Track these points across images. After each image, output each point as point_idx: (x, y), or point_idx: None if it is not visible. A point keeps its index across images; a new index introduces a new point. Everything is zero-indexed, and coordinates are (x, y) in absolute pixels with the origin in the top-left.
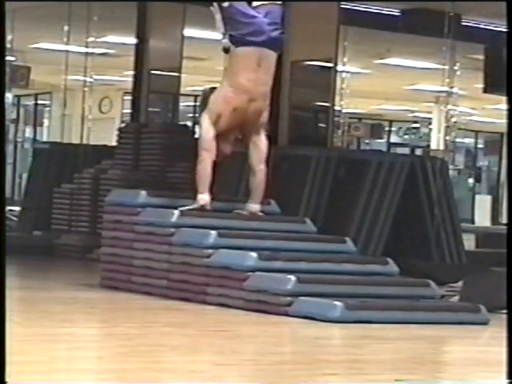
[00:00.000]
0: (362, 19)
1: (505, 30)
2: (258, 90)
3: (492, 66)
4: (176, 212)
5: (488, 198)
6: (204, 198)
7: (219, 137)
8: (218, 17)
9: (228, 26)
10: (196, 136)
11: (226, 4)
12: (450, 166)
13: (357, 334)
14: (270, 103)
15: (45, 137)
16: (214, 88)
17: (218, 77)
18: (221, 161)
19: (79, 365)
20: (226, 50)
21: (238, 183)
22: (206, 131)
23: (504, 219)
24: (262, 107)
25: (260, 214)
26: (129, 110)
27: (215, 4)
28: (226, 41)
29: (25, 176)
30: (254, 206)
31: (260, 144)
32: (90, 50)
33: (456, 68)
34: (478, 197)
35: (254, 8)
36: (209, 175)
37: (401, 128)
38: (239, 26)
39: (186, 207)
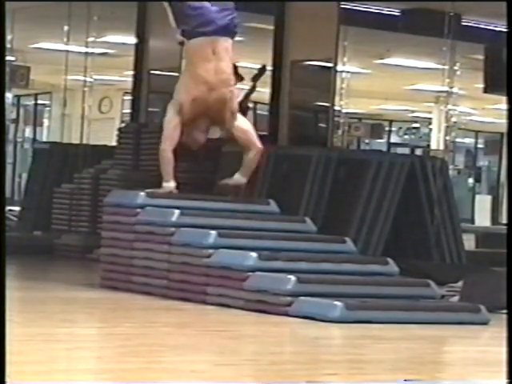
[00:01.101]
0: (362, 19)
1: (505, 29)
2: (216, 79)
3: (492, 65)
4: (176, 212)
5: (488, 198)
6: (169, 185)
7: (191, 126)
8: (170, 13)
9: (179, 21)
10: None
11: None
12: (450, 166)
13: (357, 334)
14: (236, 84)
15: (45, 137)
16: (264, 68)
17: None
18: (197, 149)
19: (79, 365)
20: (181, 43)
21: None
22: (168, 120)
23: (504, 219)
24: (224, 94)
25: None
26: (129, 110)
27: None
28: (178, 36)
29: (25, 176)
30: (241, 179)
31: (240, 125)
32: (90, 50)
33: (456, 68)
34: (477, 197)
35: None
36: (171, 162)
37: (401, 128)
38: (188, 20)
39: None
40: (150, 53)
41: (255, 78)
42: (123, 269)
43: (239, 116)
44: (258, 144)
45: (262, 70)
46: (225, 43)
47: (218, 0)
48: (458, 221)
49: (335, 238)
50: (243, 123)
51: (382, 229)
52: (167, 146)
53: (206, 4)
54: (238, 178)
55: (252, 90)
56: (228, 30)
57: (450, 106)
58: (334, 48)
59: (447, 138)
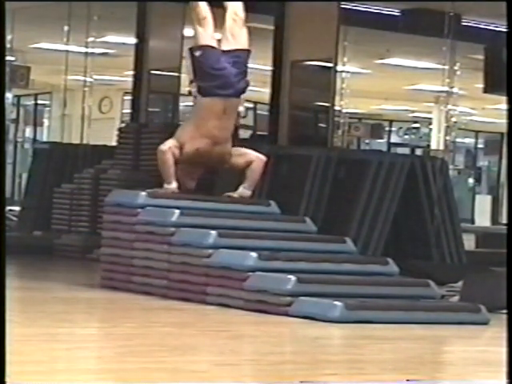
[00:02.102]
0: (362, 19)
1: (505, 29)
2: (222, 135)
3: (492, 65)
4: (176, 212)
5: (488, 198)
6: (171, 187)
7: (184, 174)
8: (189, 63)
9: (197, 75)
10: None
11: (197, 53)
12: (450, 166)
13: (357, 334)
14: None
15: (45, 137)
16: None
17: None
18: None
19: (79, 365)
20: (190, 93)
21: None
22: (164, 144)
23: (504, 219)
24: (225, 150)
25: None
26: (129, 110)
27: (188, 51)
28: (194, 90)
29: (25, 176)
30: (246, 192)
31: (236, 152)
32: (89, 50)
33: (456, 68)
34: (478, 197)
35: (223, 52)
36: (171, 165)
37: (401, 128)
38: (208, 78)
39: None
40: (149, 53)
41: None
42: (123, 269)
43: (232, 153)
44: (260, 156)
45: None
46: (236, 103)
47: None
48: (458, 221)
49: (335, 238)
50: (236, 149)
51: (381, 229)
52: (166, 151)
53: (228, 66)
54: (243, 191)
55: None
56: (242, 92)
57: (449, 106)
58: (334, 48)
59: (447, 137)
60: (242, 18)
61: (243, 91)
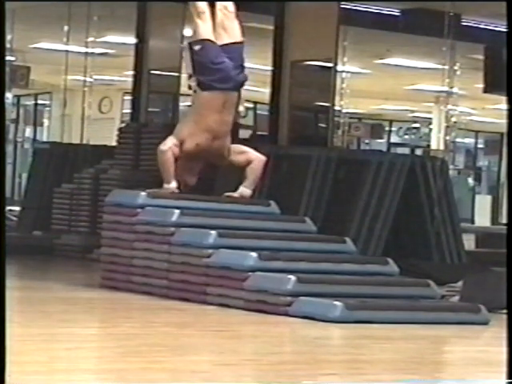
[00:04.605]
0: (362, 19)
1: (505, 29)
2: (221, 130)
3: (492, 65)
4: (176, 212)
5: (488, 198)
6: (171, 187)
7: (184, 169)
8: (188, 57)
9: (196, 70)
10: None
11: (197, 47)
12: (450, 166)
13: (357, 334)
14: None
15: (45, 137)
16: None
17: None
18: (184, 191)
19: (79, 365)
20: (190, 87)
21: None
22: (163, 143)
23: (504, 219)
24: (223, 145)
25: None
26: (129, 110)
27: (187, 45)
28: (194, 84)
29: (25, 176)
30: (246, 191)
31: (236, 150)
32: (89, 50)
33: (456, 68)
34: (477, 197)
35: (221, 46)
36: (171, 165)
37: (401, 128)
38: (207, 72)
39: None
40: (149, 53)
41: None
42: (123, 269)
43: (231, 149)
44: (260, 155)
45: None
46: (235, 98)
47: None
48: (457, 221)
49: (335, 238)
50: (236, 146)
51: (381, 229)
52: (167, 150)
53: (227, 60)
54: (244, 191)
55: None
56: (240, 86)
57: (449, 106)
58: (334, 48)
59: (447, 137)
60: (232, 12)
61: (242, 84)
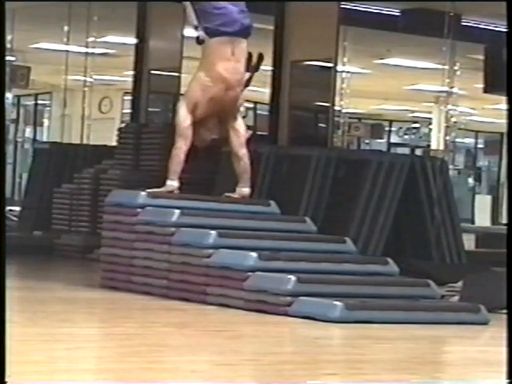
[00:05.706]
0: (362, 19)
1: (505, 29)
2: (234, 79)
3: (492, 65)
4: (176, 212)
5: (488, 198)
6: (173, 184)
7: (198, 124)
8: (191, 10)
9: (201, 19)
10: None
11: None
12: (450, 166)
13: (357, 334)
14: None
15: (45, 137)
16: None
17: None
18: (201, 147)
19: (79, 365)
20: (200, 42)
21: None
22: (182, 119)
23: (504, 219)
24: (237, 94)
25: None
26: (129, 110)
27: None
28: (201, 33)
29: (25, 176)
30: (244, 190)
31: (238, 128)
32: (90, 50)
33: (456, 68)
34: (477, 197)
35: None
36: (181, 163)
37: (401, 128)
38: (212, 18)
39: (154, 189)
40: (149, 53)
41: (255, 68)
42: (123, 269)
43: (238, 118)
44: (245, 150)
45: (261, 58)
46: (243, 44)
47: (233, 0)
48: (458, 221)
49: (335, 238)
50: (241, 125)
51: (381, 229)
52: (183, 145)
53: (229, 4)
54: (242, 190)
55: (250, 79)
56: (247, 32)
57: (450, 106)
58: (334, 48)
59: (447, 137)
60: None
61: (248, 29)
